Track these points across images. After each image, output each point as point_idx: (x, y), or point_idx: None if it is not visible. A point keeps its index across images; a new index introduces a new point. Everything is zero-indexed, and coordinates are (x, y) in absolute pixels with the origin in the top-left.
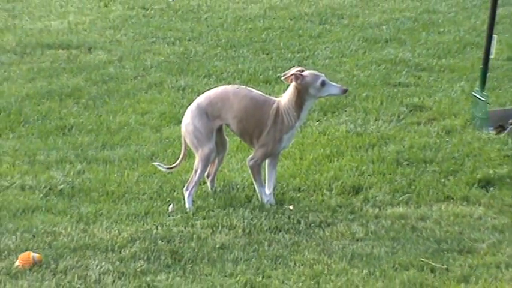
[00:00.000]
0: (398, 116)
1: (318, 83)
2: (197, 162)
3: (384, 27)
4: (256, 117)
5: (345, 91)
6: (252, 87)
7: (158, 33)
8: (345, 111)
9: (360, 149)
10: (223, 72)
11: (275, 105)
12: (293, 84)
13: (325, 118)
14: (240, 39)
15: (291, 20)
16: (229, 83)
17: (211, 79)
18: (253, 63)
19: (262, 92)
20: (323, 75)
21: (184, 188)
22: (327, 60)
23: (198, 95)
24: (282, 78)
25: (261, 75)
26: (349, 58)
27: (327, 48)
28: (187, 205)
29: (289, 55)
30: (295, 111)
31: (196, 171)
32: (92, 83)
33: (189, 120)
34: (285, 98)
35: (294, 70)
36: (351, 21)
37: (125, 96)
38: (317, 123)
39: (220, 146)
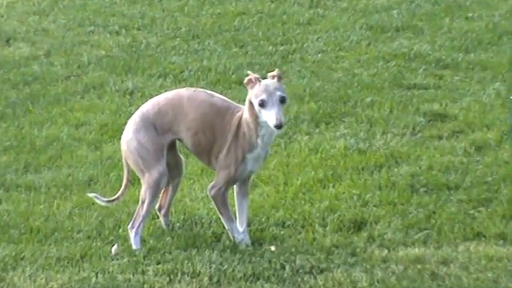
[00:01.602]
0: (413, 128)
1: (257, 101)
2: (144, 191)
3: (395, 11)
4: (215, 129)
5: (278, 126)
6: (217, 92)
7: (97, 20)
8: (343, 121)
9: (363, 172)
10: (183, 70)
11: (239, 114)
12: None
13: (317, 131)
14: (205, 27)
15: (272, 2)
16: (191, 85)
17: (167, 80)
18: (222, 59)
19: (228, 97)
20: (276, 94)
21: (129, 225)
22: (319, 55)
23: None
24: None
25: (233, 74)
26: (348, 52)
27: (319, 39)
28: (134, 246)
29: (270, 48)
30: (252, 125)
31: (143, 202)
32: (10, 85)
33: (131, 135)
34: (245, 106)
35: (255, 75)
36: (351, 4)
37: (54, 103)
38: (307, 137)
39: (173, 168)
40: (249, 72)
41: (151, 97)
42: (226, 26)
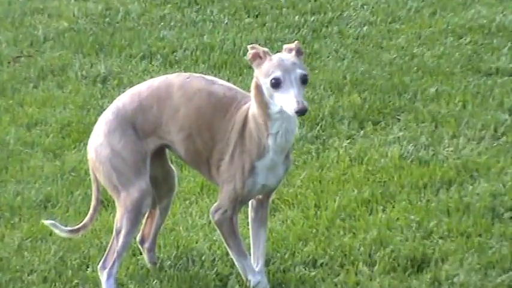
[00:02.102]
0: (495, 130)
1: (269, 80)
2: (120, 217)
3: None
4: (215, 129)
5: (300, 112)
6: (221, 78)
7: None
8: (398, 120)
9: (425, 190)
10: (175, 49)
11: (246, 106)
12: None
13: (361, 133)
14: None
15: None
16: (185, 70)
17: (153, 62)
18: (230, 34)
19: (237, 86)
20: (296, 71)
21: (100, 264)
22: (365, 28)
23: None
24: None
25: (244, 55)
26: (405, 24)
27: (364, 7)
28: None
29: (296, 18)
30: (261, 119)
31: (118, 232)
32: None
33: (101, 139)
34: (252, 94)
35: (262, 48)
36: None
37: None
38: (347, 142)
39: (161, 184)
40: (252, 45)
41: (132, 86)
42: None
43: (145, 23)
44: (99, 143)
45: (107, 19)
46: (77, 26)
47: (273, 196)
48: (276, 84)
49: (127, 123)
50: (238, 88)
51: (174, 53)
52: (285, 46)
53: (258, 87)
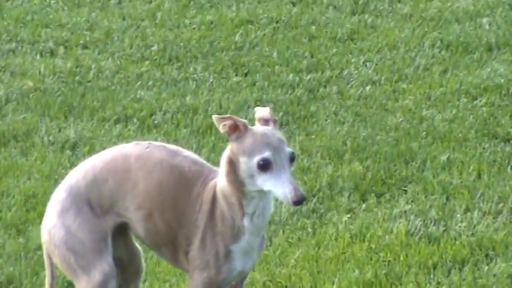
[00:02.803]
0: None
1: (256, 161)
2: None
3: (485, 20)
4: (180, 208)
5: (299, 202)
6: (204, 143)
7: (21, 33)
8: (405, 191)
9: (435, 270)
10: (154, 111)
11: (212, 183)
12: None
13: (363, 206)
14: (189, 44)
15: (293, 4)
16: (165, 135)
17: (129, 126)
18: (216, 95)
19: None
20: (285, 150)
21: None
22: (367, 88)
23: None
24: (219, 122)
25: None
26: (413, 84)
27: (367, 64)
28: None
29: (290, 77)
30: (234, 198)
31: None
32: None
33: (54, 220)
34: (222, 169)
35: (238, 119)
36: (417, 9)
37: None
38: (347, 216)
39: (127, 265)
40: (226, 116)
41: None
42: (221, 42)
43: (120, 82)
44: (52, 224)
45: (77, 77)
46: (43, 86)
47: (246, 280)
48: (265, 166)
49: (82, 201)
50: (203, 161)
51: (153, 116)
52: (258, 115)
53: (232, 164)
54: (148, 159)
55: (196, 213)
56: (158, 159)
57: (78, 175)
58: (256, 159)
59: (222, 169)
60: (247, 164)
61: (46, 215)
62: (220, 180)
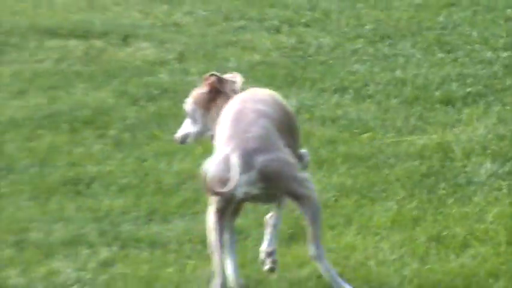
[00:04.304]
0: None
1: None
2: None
3: None
4: None
5: None
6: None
7: (250, 12)
8: None
9: None
10: (367, 83)
11: None
12: None
13: None
14: (399, 24)
15: None
16: (378, 104)
17: (346, 95)
18: (422, 69)
19: (432, 120)
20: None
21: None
22: None
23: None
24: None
25: (437, 90)
26: None
27: None
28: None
29: (489, 54)
30: None
31: None
32: (129, 101)
33: None
34: None
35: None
36: None
37: None
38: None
39: None
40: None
41: (323, 120)
42: (427, 22)
43: (337, 57)
44: None
45: (299, 52)
46: (268, 59)
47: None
48: None
49: None
50: None
51: (366, 87)
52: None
53: None
54: None
55: None
56: None
57: None
58: None
59: None
60: None
61: None
62: None
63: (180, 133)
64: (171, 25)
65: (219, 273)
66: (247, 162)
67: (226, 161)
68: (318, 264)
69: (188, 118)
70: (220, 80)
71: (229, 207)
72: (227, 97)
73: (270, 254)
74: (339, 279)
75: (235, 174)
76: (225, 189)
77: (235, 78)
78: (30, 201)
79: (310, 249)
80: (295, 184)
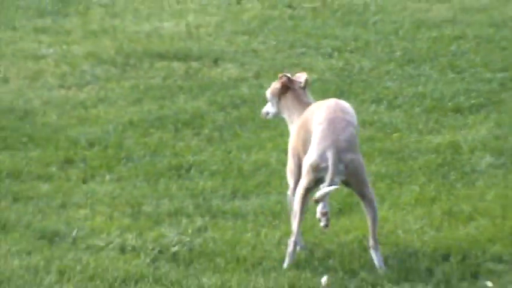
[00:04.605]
0: None
1: None
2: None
3: None
4: None
5: None
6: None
7: (309, 42)
8: None
9: None
10: (397, 96)
11: None
12: None
13: None
14: (421, 51)
15: (490, 27)
16: (405, 112)
17: (381, 105)
18: (438, 85)
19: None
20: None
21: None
22: None
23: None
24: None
25: (449, 101)
26: None
27: None
28: (378, 264)
29: (488, 75)
30: None
31: None
32: (218, 108)
33: None
34: None
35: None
36: None
37: (263, 127)
38: None
39: None
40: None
41: (363, 123)
42: (442, 50)
43: (375, 76)
44: None
45: (346, 72)
46: (323, 77)
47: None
48: None
49: None
50: None
51: (396, 99)
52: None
53: None
54: None
55: None
56: None
57: None
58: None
59: None
60: None
61: None
62: None
63: (264, 110)
64: (249, 51)
65: (298, 232)
66: (339, 157)
67: (324, 154)
68: (373, 252)
69: (268, 102)
70: (290, 80)
71: (315, 187)
72: (295, 91)
73: (324, 214)
74: (382, 263)
75: (332, 164)
76: (327, 174)
77: (301, 78)
78: (144, 183)
79: (370, 241)
80: (364, 185)
